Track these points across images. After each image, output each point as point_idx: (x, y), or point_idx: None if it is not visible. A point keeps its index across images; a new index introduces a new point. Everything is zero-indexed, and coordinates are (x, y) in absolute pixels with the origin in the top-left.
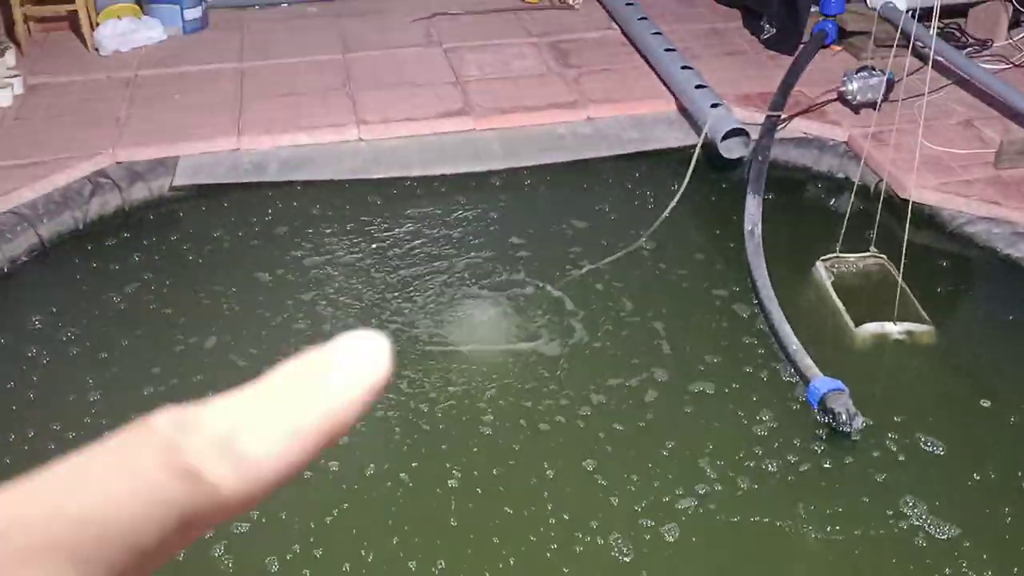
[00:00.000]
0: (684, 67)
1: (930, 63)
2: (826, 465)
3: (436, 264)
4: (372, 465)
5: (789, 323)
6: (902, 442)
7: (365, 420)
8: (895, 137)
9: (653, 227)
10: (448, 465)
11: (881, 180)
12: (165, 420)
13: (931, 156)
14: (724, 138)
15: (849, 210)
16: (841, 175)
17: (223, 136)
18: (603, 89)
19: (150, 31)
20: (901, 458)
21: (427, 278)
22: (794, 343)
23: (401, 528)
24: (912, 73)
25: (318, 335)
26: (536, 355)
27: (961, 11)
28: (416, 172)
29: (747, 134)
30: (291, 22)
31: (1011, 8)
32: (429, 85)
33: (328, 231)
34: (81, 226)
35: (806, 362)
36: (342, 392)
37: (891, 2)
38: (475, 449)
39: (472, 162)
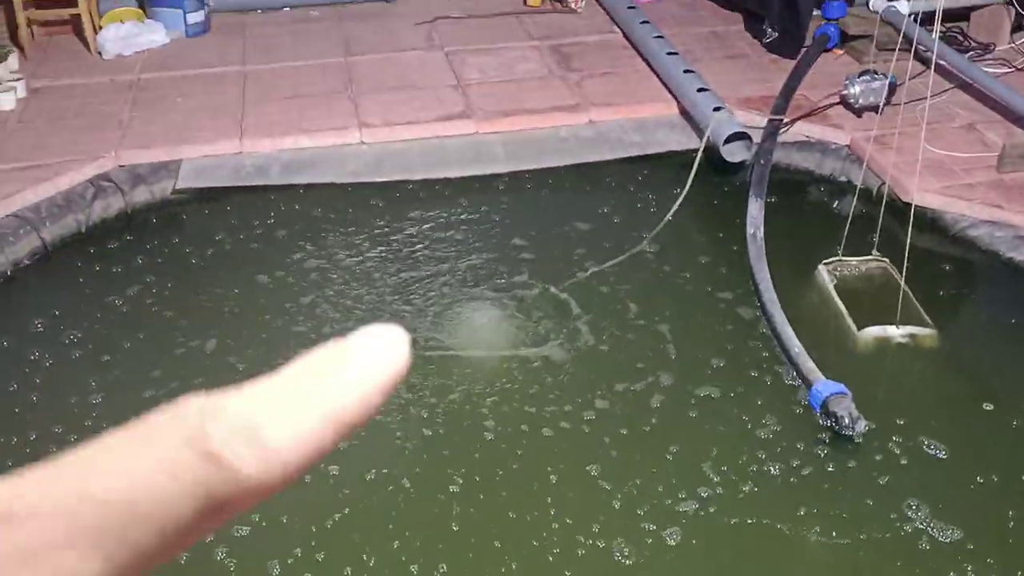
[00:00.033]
0: (686, 70)
1: (932, 67)
2: (829, 468)
3: (438, 267)
4: (373, 470)
5: (791, 326)
6: (905, 445)
7: (367, 424)
8: (897, 141)
9: (656, 230)
10: (450, 471)
11: (883, 184)
12: (191, 406)
13: (933, 160)
14: (726, 142)
15: (851, 214)
16: (843, 179)
17: (225, 139)
18: (605, 92)
19: (153, 34)
20: (904, 461)
21: (429, 281)
22: (796, 346)
23: (402, 533)
24: (914, 77)
25: (320, 338)
26: (539, 359)
27: (963, 15)
28: (418, 175)
29: (749, 138)
30: (293, 26)
31: (1014, 12)
32: (431, 88)
33: (330, 234)
34: (83, 229)
35: (808, 365)
36: (362, 383)
37: (893, 6)
38: (477, 455)
39: (474, 165)
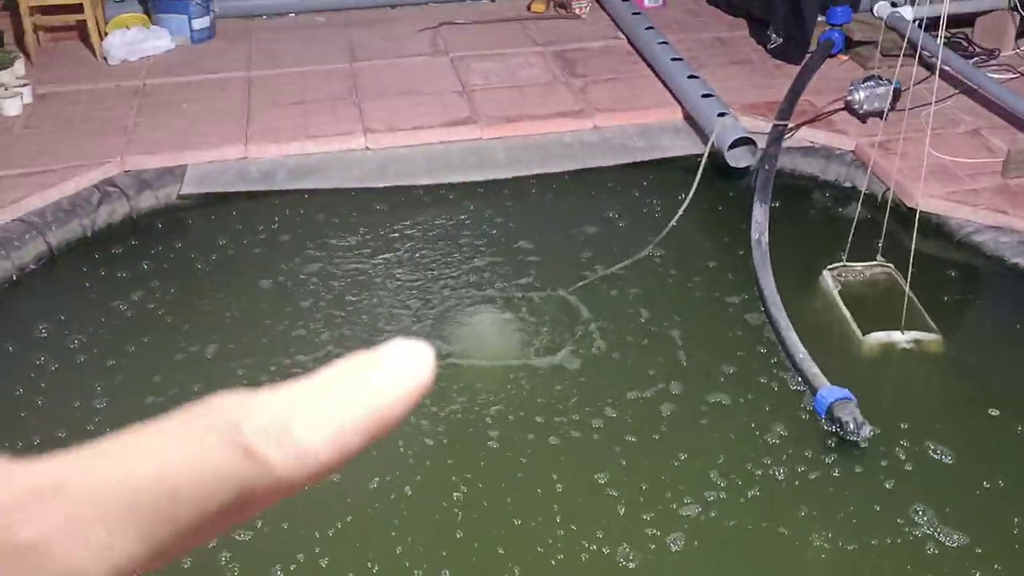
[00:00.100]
0: (690, 76)
1: (937, 72)
2: (835, 474)
3: (442, 272)
4: (376, 478)
5: (796, 332)
6: (911, 450)
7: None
8: (902, 146)
9: (661, 235)
10: (454, 478)
11: (888, 189)
12: (225, 402)
13: (938, 165)
14: (731, 147)
15: (856, 219)
16: (848, 184)
17: (230, 145)
18: (609, 98)
19: (158, 40)
20: (910, 467)
21: (433, 286)
22: (801, 352)
23: (406, 539)
24: (919, 82)
25: (325, 343)
26: (544, 363)
27: (968, 21)
28: (423, 180)
29: (754, 143)
30: (298, 31)
31: (1018, 18)
32: (436, 94)
33: (335, 239)
34: (89, 234)
35: (813, 371)
36: (388, 392)
37: (898, 12)
38: (482, 463)
39: (478, 170)
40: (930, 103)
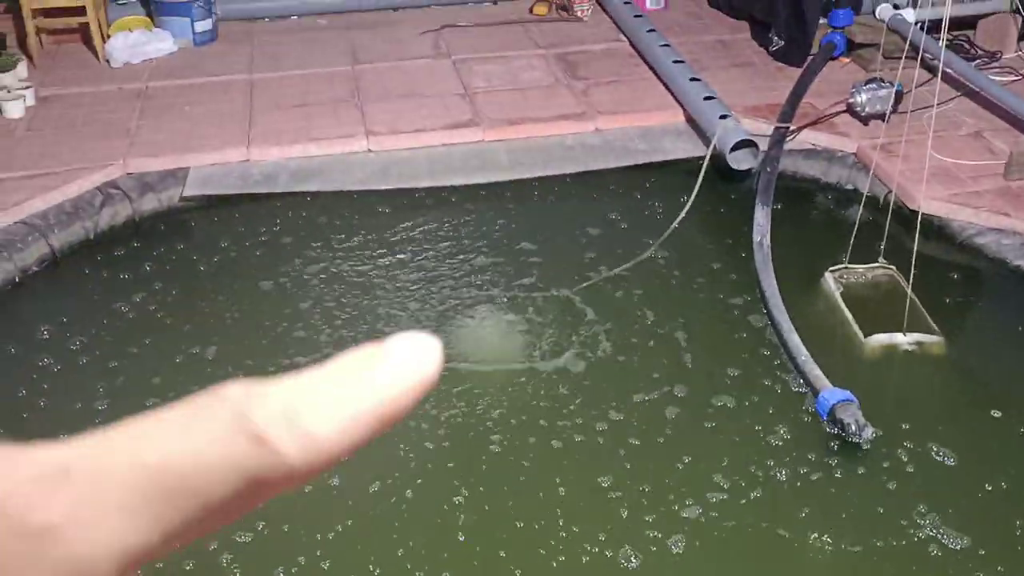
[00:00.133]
0: (692, 79)
1: (939, 75)
2: (838, 475)
3: (444, 274)
4: (377, 482)
5: (798, 334)
6: (913, 452)
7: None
8: (904, 148)
9: (663, 237)
10: (456, 482)
11: (890, 191)
12: (235, 390)
13: (940, 167)
14: (733, 149)
15: (858, 221)
16: (850, 186)
17: (233, 147)
18: (611, 100)
19: (161, 43)
20: (913, 469)
21: (435, 288)
22: (803, 354)
23: (407, 542)
24: (921, 85)
25: (326, 345)
26: (545, 366)
27: (970, 23)
28: (425, 183)
29: (756, 145)
30: (301, 34)
31: (1020, 20)
32: (438, 96)
33: (336, 242)
34: (91, 236)
35: (815, 373)
36: (396, 383)
37: (900, 14)
38: (483, 466)
39: (480, 173)
40: (932, 105)
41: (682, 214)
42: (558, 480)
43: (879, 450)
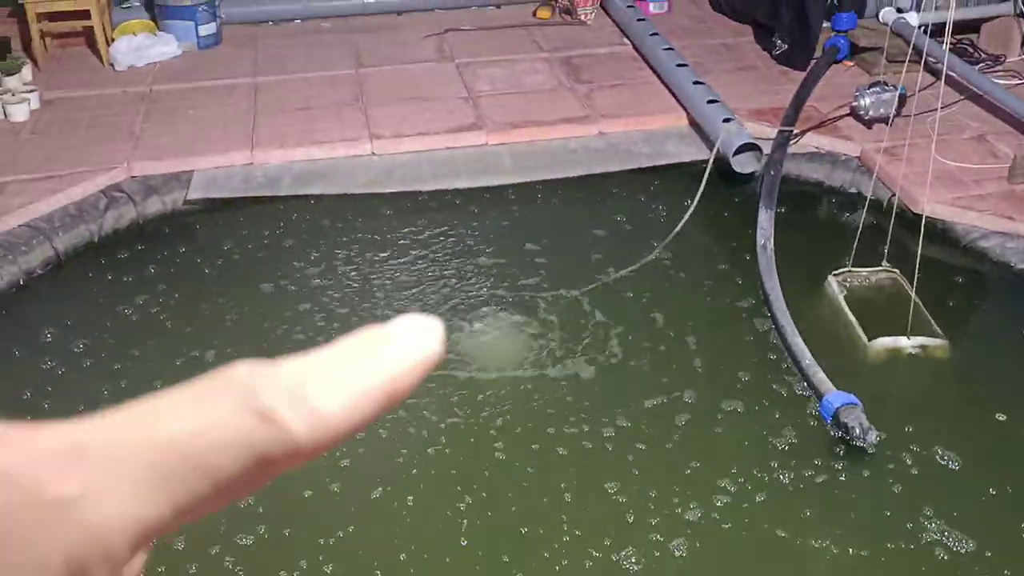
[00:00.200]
0: (696, 82)
1: (943, 78)
2: (843, 479)
3: (448, 277)
4: (379, 488)
5: (802, 337)
6: (918, 456)
7: (370, 441)
8: (908, 152)
9: (666, 240)
10: (460, 488)
11: (894, 195)
12: (242, 369)
13: (944, 171)
14: (736, 153)
15: (861, 225)
16: (853, 190)
17: (237, 150)
18: (615, 104)
19: (165, 46)
20: (918, 472)
21: (439, 291)
22: (807, 357)
23: (409, 547)
24: (924, 88)
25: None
26: (548, 368)
27: (974, 27)
28: (428, 186)
29: (759, 149)
30: (304, 37)
31: None
32: (441, 100)
33: (340, 245)
34: (96, 239)
35: (819, 376)
36: (400, 362)
37: (903, 17)
38: (487, 472)
39: (484, 176)
40: (936, 109)
41: (686, 217)
42: (563, 485)
43: (884, 453)
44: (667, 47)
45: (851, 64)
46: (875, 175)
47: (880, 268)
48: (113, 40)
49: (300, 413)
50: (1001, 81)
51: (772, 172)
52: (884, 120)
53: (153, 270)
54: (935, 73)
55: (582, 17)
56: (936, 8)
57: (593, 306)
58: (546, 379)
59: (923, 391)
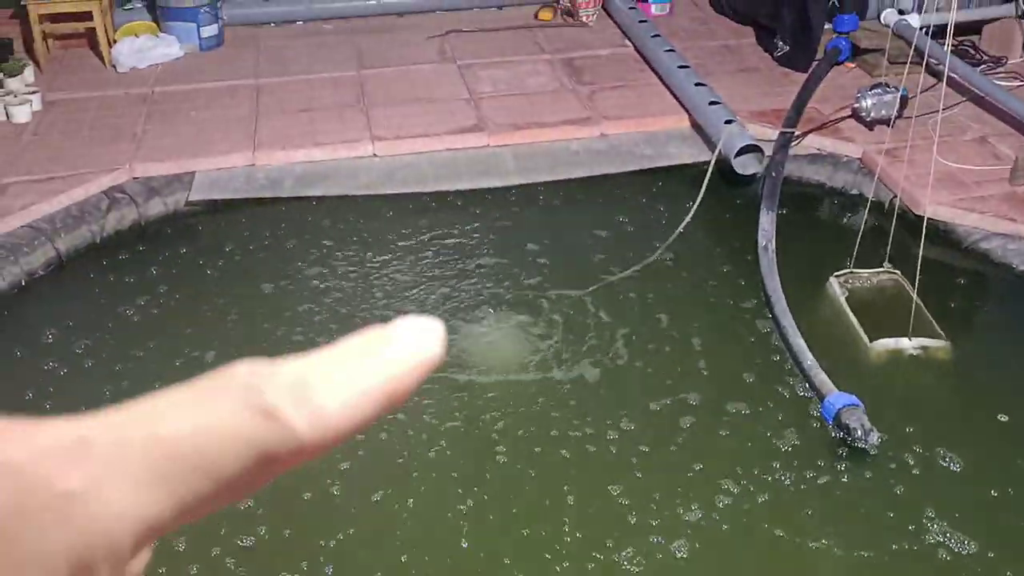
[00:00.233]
0: (697, 84)
1: (944, 80)
2: (846, 481)
3: (451, 279)
4: (380, 491)
5: (804, 339)
6: (921, 457)
7: (371, 443)
8: (909, 153)
9: (668, 241)
10: (461, 490)
11: (895, 196)
12: (245, 368)
13: (945, 172)
14: (738, 154)
15: (863, 226)
16: (855, 191)
17: (238, 152)
18: (617, 105)
19: (167, 48)
20: (921, 473)
21: (441, 293)
22: (809, 358)
23: (410, 548)
24: (926, 90)
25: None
26: (552, 370)
27: (975, 28)
28: (430, 188)
29: (761, 150)
30: (306, 39)
31: None
32: (443, 101)
33: (342, 246)
34: (98, 240)
35: (821, 378)
36: (401, 362)
37: (905, 19)
38: (488, 474)
39: (486, 178)
40: (937, 111)
41: (688, 218)
42: (566, 488)
43: (886, 455)
44: (669, 49)
45: (853, 66)
46: (876, 177)
47: (881, 269)
48: (115, 42)
49: (302, 411)
50: (1003, 83)
51: (774, 174)
52: (885, 122)
53: (155, 271)
54: (936, 75)
55: (584, 19)
56: (937, 9)
57: (595, 307)
58: (548, 381)
59: (925, 392)
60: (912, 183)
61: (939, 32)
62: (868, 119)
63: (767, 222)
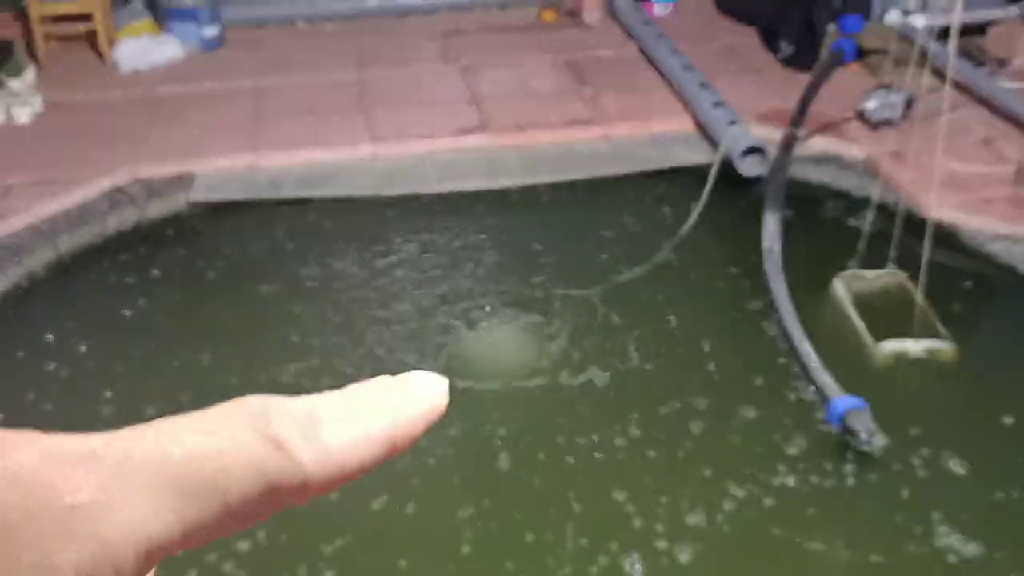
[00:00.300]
0: (701, 85)
1: (948, 82)
2: (852, 484)
3: (453, 281)
4: (381, 496)
5: (809, 340)
6: (926, 460)
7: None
8: (914, 155)
9: (672, 241)
10: (463, 497)
11: (900, 198)
12: (257, 400)
13: (950, 174)
14: (742, 156)
15: (867, 228)
16: (859, 193)
17: (239, 153)
18: (620, 107)
19: (168, 49)
20: (927, 476)
21: (443, 295)
22: (814, 361)
23: (410, 554)
24: (930, 92)
25: (333, 350)
26: (554, 371)
27: (980, 30)
28: (432, 189)
29: (765, 152)
30: (308, 39)
31: None
32: (445, 102)
33: (343, 248)
34: (99, 241)
35: (826, 380)
36: (409, 409)
37: (909, 20)
38: (488, 481)
39: (489, 179)
40: (942, 112)
41: (692, 219)
42: (572, 494)
43: (892, 457)
44: (673, 50)
45: (857, 67)
46: (881, 178)
47: (886, 271)
48: (116, 42)
49: (309, 445)
50: (1007, 84)
51: (778, 175)
52: (890, 123)
53: (156, 273)
54: (941, 76)
55: (587, 20)
56: (942, 11)
57: (599, 309)
58: (554, 385)
59: (930, 394)
60: (916, 185)
61: (943, 33)
62: (873, 121)
63: (772, 224)
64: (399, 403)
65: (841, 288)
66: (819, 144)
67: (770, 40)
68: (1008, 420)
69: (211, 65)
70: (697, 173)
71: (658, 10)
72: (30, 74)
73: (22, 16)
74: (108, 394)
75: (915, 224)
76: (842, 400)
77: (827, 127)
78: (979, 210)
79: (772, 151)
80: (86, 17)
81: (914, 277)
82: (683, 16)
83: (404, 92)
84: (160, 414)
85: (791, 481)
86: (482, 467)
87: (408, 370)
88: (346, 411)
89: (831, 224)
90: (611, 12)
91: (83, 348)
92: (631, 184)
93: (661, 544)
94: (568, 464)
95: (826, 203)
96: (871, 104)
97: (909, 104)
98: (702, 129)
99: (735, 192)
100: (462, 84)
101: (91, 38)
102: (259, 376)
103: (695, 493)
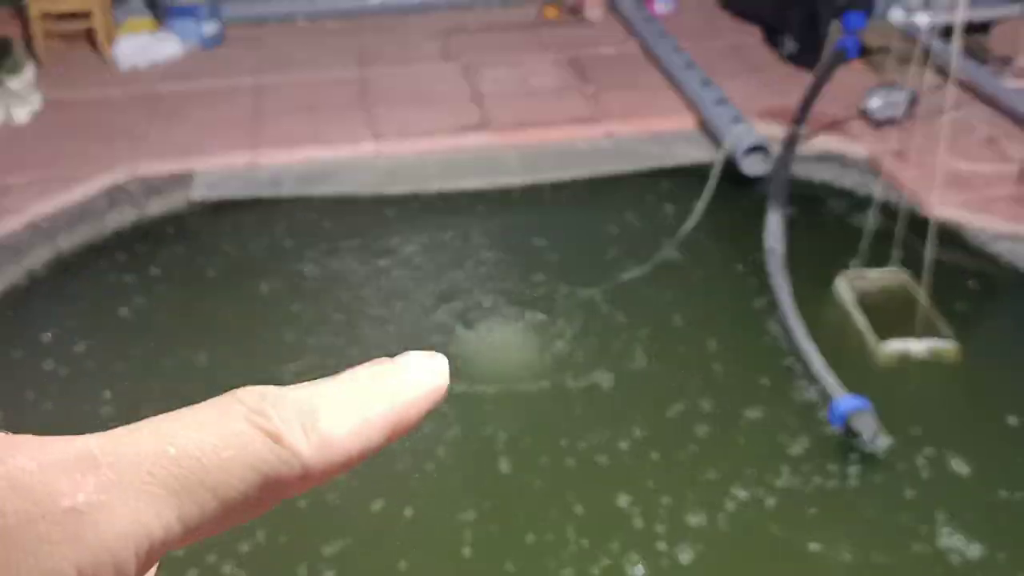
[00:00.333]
0: (704, 83)
1: (951, 80)
2: (855, 484)
3: (454, 280)
4: (382, 499)
5: (812, 340)
6: (930, 460)
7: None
8: (917, 154)
9: (674, 240)
10: (464, 499)
11: (903, 197)
12: (253, 392)
13: (953, 173)
14: (745, 154)
15: (870, 227)
16: (862, 191)
17: (240, 151)
18: (622, 105)
19: (168, 46)
20: (930, 477)
21: (444, 294)
22: (817, 360)
23: (410, 556)
24: (934, 90)
25: (334, 348)
26: (556, 372)
27: (984, 28)
28: (434, 187)
29: (768, 150)
30: (308, 37)
31: None
32: (447, 100)
33: (343, 246)
34: (99, 239)
35: (829, 380)
36: (408, 393)
37: (912, 18)
38: (488, 483)
39: (490, 177)
40: (945, 111)
41: (694, 217)
42: (572, 498)
43: (895, 457)
44: (675, 47)
45: (860, 65)
46: (884, 177)
47: (889, 270)
48: (116, 40)
49: (308, 435)
50: (1011, 83)
51: (781, 174)
52: (893, 122)
53: (156, 271)
54: (944, 74)
55: (589, 17)
56: (945, 9)
57: (601, 308)
58: (555, 385)
59: (933, 394)
60: (919, 184)
61: (947, 31)
62: (876, 119)
63: (774, 222)
64: (398, 387)
65: (844, 287)
66: (822, 142)
67: (773, 37)
68: (1012, 420)
69: (211, 62)
70: (699, 171)
71: (660, 7)
72: (29, 72)
73: (21, 14)
74: (107, 393)
75: (918, 223)
76: (845, 400)
77: (830, 125)
78: (982, 209)
79: (775, 149)
80: (85, 14)
81: (917, 276)
82: (685, 13)
83: (405, 90)
84: (159, 412)
85: (794, 482)
86: (482, 468)
87: None
88: (344, 398)
89: (834, 223)
90: (613, 9)
91: (82, 347)
92: (633, 182)
93: (662, 545)
94: (569, 465)
95: (829, 202)
96: (874, 102)
97: (912, 102)
98: (704, 127)
99: (737, 190)
100: (463, 82)
101: (90, 36)
102: (259, 374)
103: (697, 494)
